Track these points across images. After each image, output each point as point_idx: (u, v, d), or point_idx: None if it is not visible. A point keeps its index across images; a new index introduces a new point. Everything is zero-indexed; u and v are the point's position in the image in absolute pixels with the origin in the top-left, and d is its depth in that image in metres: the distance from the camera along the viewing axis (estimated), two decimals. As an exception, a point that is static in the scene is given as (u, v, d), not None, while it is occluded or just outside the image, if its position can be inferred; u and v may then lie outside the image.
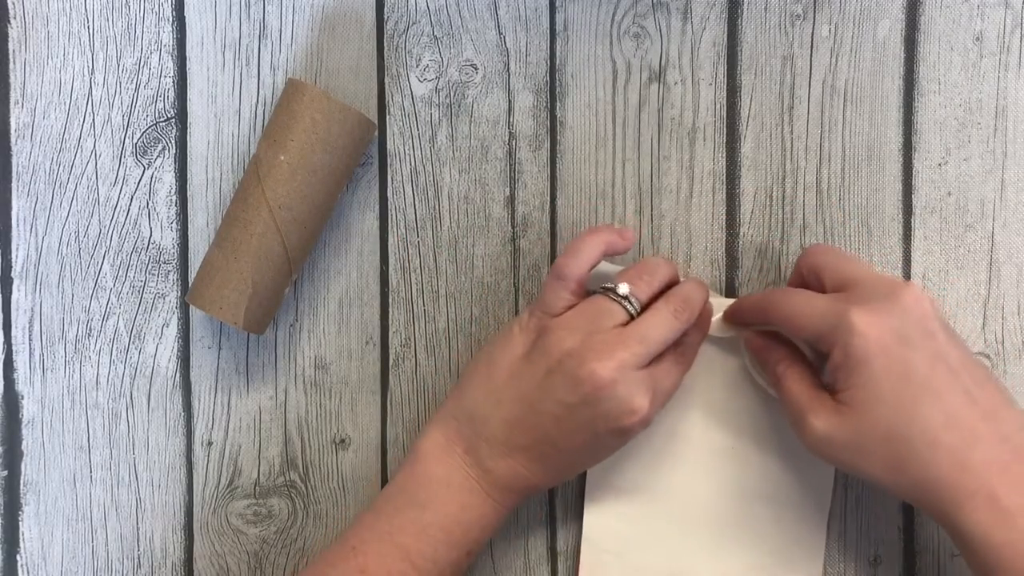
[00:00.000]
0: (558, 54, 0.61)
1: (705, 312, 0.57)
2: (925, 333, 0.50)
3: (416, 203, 0.61)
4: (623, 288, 0.54)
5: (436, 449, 0.56)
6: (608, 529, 0.59)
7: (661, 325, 0.54)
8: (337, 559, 0.55)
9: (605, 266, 0.57)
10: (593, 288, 0.56)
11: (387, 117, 0.61)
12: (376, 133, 0.60)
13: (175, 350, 0.62)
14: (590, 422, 0.53)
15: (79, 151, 0.62)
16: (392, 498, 0.55)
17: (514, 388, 0.54)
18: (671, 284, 0.57)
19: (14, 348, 0.62)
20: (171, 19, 0.61)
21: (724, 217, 0.61)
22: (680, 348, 0.56)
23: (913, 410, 0.49)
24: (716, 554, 0.59)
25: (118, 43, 0.61)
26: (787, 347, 0.55)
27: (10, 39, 0.62)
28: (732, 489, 0.59)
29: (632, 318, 0.54)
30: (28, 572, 0.62)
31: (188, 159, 0.61)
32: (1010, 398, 0.52)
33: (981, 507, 0.49)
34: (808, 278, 0.55)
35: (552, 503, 0.61)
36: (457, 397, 0.56)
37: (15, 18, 0.61)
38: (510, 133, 0.61)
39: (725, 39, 0.61)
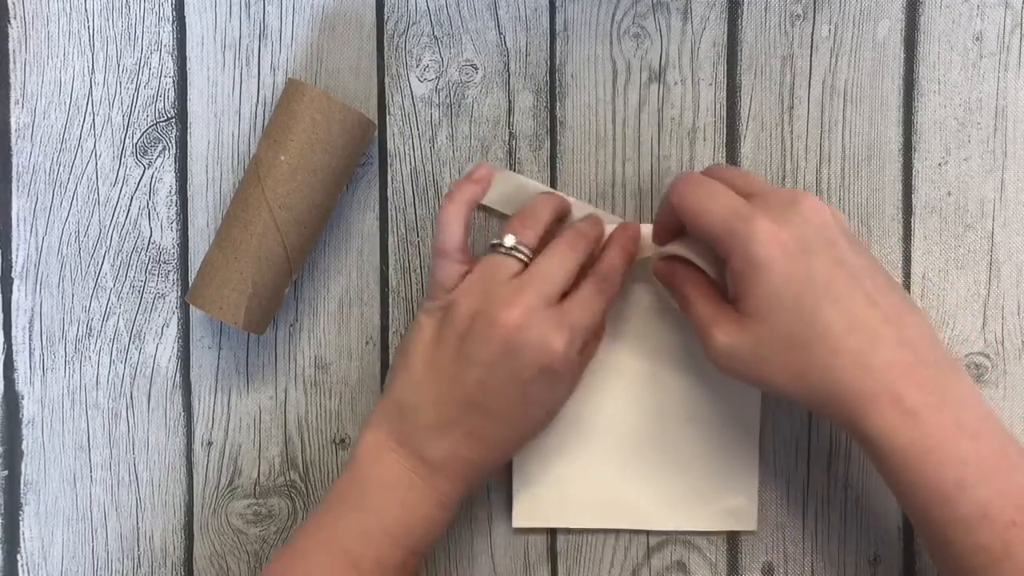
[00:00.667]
0: (558, 54, 0.61)
1: (627, 234, 0.57)
2: (826, 241, 0.50)
3: (416, 203, 0.61)
4: (508, 239, 0.54)
5: (371, 450, 0.55)
6: (538, 465, 0.60)
7: (557, 259, 0.54)
8: (287, 569, 0.54)
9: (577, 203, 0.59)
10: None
11: (387, 117, 0.61)
12: (376, 133, 0.60)
13: (175, 350, 0.62)
14: (513, 375, 0.52)
15: (79, 151, 0.62)
16: (333, 505, 0.55)
17: (433, 370, 0.54)
18: (563, 216, 0.58)
19: (14, 348, 0.62)
20: (171, 19, 0.61)
21: (724, 217, 0.61)
22: (599, 276, 0.55)
23: (814, 315, 0.49)
24: (650, 481, 0.59)
25: (118, 43, 0.61)
26: (692, 270, 0.54)
27: (10, 39, 0.62)
28: (659, 415, 0.59)
29: (526, 265, 0.54)
30: (28, 572, 0.62)
31: (188, 159, 0.61)
32: (913, 305, 0.51)
33: (885, 409, 0.48)
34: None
35: (552, 503, 0.61)
36: (384, 399, 0.56)
37: (15, 18, 0.61)
38: (510, 133, 0.61)
39: (725, 39, 0.61)
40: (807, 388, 0.50)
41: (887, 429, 0.48)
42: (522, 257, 0.54)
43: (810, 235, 0.49)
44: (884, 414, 0.48)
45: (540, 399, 0.54)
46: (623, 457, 0.60)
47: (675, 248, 0.55)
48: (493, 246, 0.55)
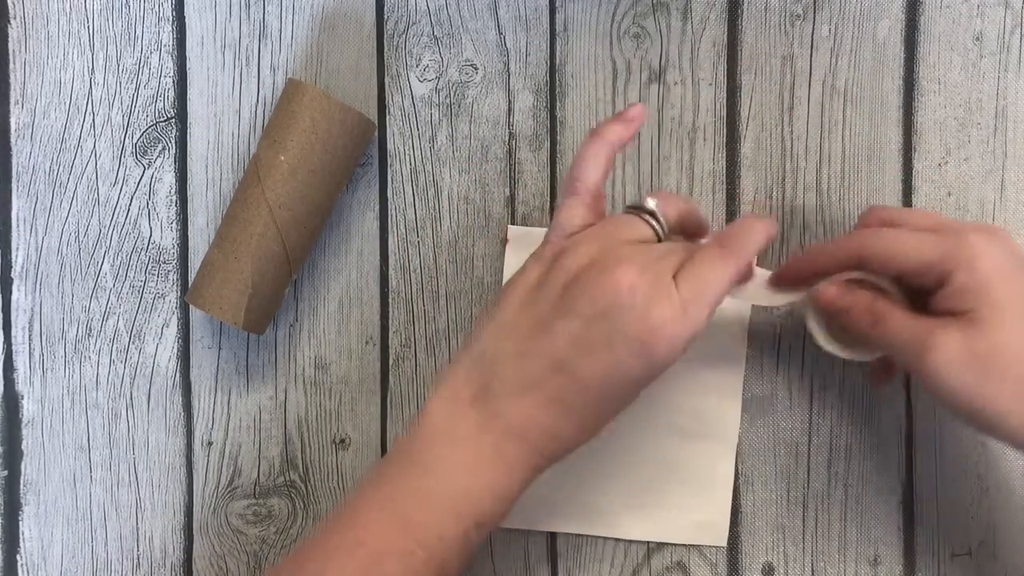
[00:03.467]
0: (558, 54, 0.61)
1: (771, 221, 0.52)
2: None
3: (416, 203, 0.61)
4: (650, 202, 0.49)
5: (441, 404, 0.49)
6: None
7: (707, 258, 0.48)
8: (337, 526, 0.49)
9: None
10: None
11: (387, 117, 0.61)
12: (376, 133, 0.60)
13: (175, 350, 0.62)
14: (608, 340, 0.46)
15: (79, 151, 0.62)
16: (394, 461, 0.49)
17: (527, 316, 0.48)
18: (700, 231, 0.52)
19: (14, 348, 0.62)
20: (171, 19, 0.61)
21: (724, 217, 0.61)
22: (727, 243, 0.49)
23: None
24: (626, 489, 0.59)
25: (118, 43, 0.61)
26: (870, 288, 0.51)
27: (10, 39, 0.62)
28: (639, 423, 0.59)
29: (659, 239, 0.49)
30: (28, 572, 0.62)
31: (188, 159, 0.61)
32: None
33: None
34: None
35: (552, 503, 0.61)
36: (466, 346, 0.50)
37: (15, 18, 0.61)
38: (510, 133, 0.61)
39: (725, 39, 0.61)
40: None
41: None
42: (656, 228, 0.49)
43: (1018, 254, 0.49)
44: None
45: (632, 379, 0.48)
46: (601, 463, 0.59)
47: (855, 274, 0.52)
48: (630, 207, 0.50)
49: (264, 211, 0.56)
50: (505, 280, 0.60)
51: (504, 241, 0.60)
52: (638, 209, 0.50)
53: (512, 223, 0.61)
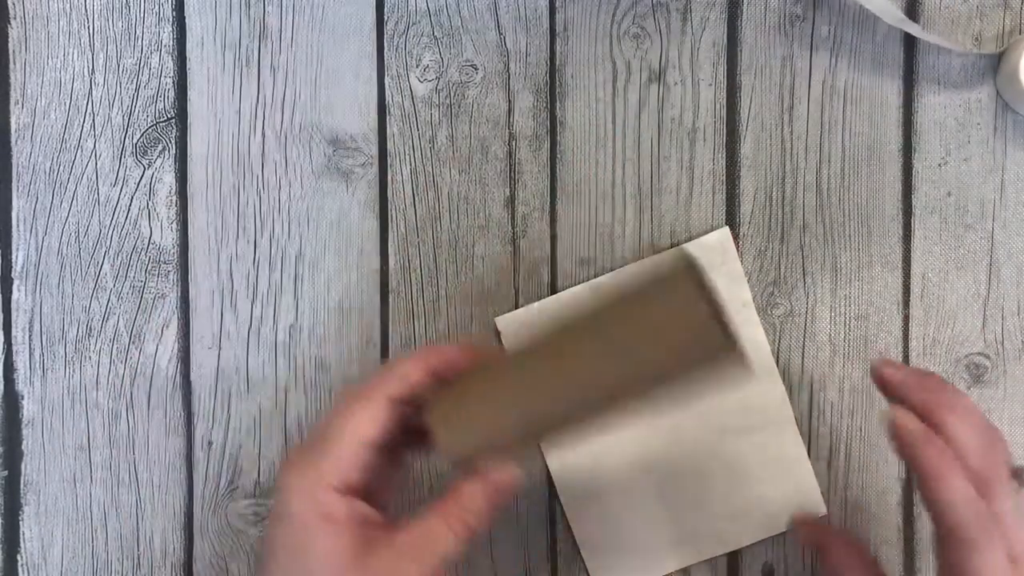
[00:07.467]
0: (558, 54, 0.61)
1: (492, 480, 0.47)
2: None
3: (416, 203, 0.61)
4: None
5: None
6: (598, 529, 0.60)
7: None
8: None
9: None
10: None
11: (387, 117, 0.61)
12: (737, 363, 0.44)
13: (175, 350, 0.62)
14: None
15: (79, 151, 0.62)
16: None
17: None
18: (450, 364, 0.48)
19: (14, 348, 0.62)
20: (171, 19, 0.61)
21: (724, 217, 0.61)
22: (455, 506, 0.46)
23: None
24: (716, 505, 0.59)
25: (118, 43, 0.61)
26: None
27: (10, 39, 0.62)
28: (688, 439, 0.59)
29: None
30: (28, 572, 0.62)
31: (188, 159, 0.61)
32: None
33: None
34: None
35: (552, 503, 0.61)
36: None
37: (15, 18, 0.61)
38: (510, 133, 0.61)
39: (725, 39, 0.61)
40: None
41: None
42: None
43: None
44: None
45: None
46: (676, 494, 0.59)
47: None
48: None
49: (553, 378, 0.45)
50: None
51: (497, 333, 0.60)
52: None
53: (512, 223, 0.61)
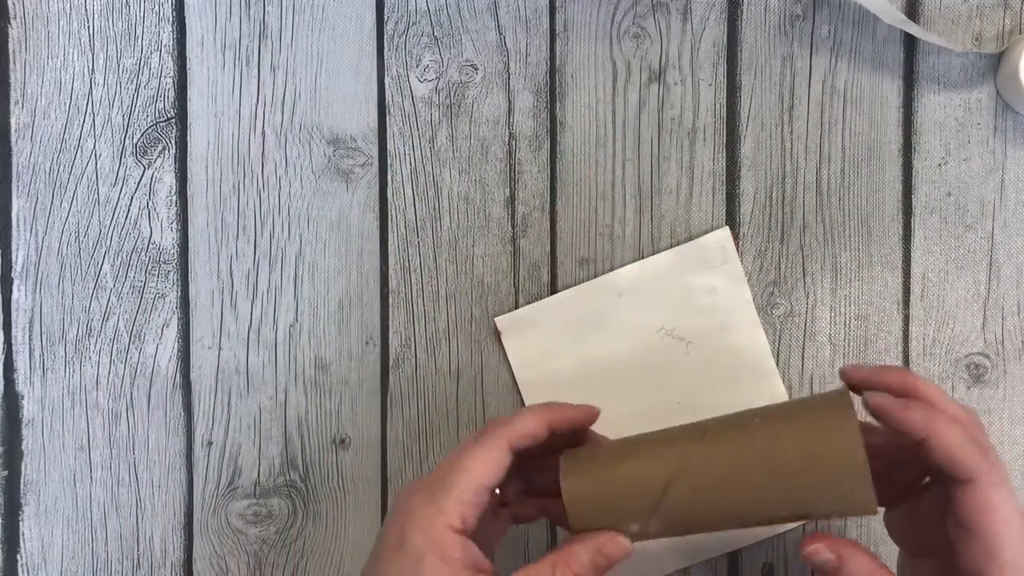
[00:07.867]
0: (558, 54, 0.61)
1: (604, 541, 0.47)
2: None
3: (416, 203, 0.61)
4: None
5: None
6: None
7: None
8: None
9: None
10: None
11: (387, 117, 0.61)
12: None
13: (175, 350, 0.62)
14: None
15: (79, 151, 0.62)
16: None
17: None
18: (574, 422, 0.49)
19: (14, 348, 0.62)
20: (171, 19, 0.61)
21: (724, 217, 0.61)
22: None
23: None
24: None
25: (118, 43, 0.61)
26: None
27: (10, 39, 0.62)
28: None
29: None
30: (28, 572, 0.62)
31: (188, 159, 0.62)
32: None
33: None
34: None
35: (552, 503, 0.61)
36: None
37: (15, 18, 0.61)
38: (510, 133, 0.61)
39: (725, 39, 0.61)
40: None
41: None
42: None
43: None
44: None
45: None
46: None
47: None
48: None
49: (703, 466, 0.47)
50: (515, 368, 0.60)
51: (497, 333, 0.60)
52: None
53: (512, 223, 0.61)
